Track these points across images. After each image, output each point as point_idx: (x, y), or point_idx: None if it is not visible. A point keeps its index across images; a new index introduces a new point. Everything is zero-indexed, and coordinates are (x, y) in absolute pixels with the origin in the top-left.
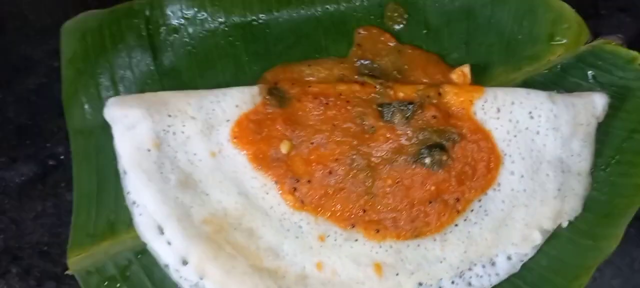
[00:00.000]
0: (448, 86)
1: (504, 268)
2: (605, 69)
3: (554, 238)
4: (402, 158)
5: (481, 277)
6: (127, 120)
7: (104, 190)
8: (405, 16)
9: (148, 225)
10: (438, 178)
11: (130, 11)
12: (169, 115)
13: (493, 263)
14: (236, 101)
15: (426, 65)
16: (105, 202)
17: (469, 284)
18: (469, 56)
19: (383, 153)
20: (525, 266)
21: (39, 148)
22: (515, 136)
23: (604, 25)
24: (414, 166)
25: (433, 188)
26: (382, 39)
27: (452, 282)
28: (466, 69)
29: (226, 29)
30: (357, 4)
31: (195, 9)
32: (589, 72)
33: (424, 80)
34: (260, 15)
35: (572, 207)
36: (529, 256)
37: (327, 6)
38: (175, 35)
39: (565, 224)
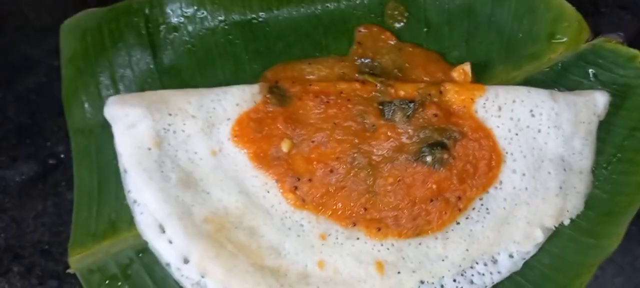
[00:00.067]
0: (449, 84)
1: (505, 266)
2: (606, 67)
3: (556, 236)
4: (403, 156)
5: (483, 275)
6: (128, 118)
7: (105, 189)
8: (406, 14)
9: (149, 223)
10: (439, 177)
11: (130, 9)
12: (170, 114)
13: (495, 261)
14: (237, 100)
15: (427, 63)
16: (106, 201)
17: (471, 282)
18: (470, 54)
19: (384, 152)
20: (527, 264)
21: (39, 148)
22: (516, 134)
23: (604, 23)
24: (415, 164)
25: (434, 186)
26: (383, 37)
27: (454, 280)
28: (467, 67)
29: (226, 27)
30: (358, 2)
31: (195, 7)
32: (590, 70)
33: (425, 79)
34: (260, 14)
35: (573, 205)
36: (531, 254)
37: (328, 4)
38: (175, 33)
39: (567, 222)
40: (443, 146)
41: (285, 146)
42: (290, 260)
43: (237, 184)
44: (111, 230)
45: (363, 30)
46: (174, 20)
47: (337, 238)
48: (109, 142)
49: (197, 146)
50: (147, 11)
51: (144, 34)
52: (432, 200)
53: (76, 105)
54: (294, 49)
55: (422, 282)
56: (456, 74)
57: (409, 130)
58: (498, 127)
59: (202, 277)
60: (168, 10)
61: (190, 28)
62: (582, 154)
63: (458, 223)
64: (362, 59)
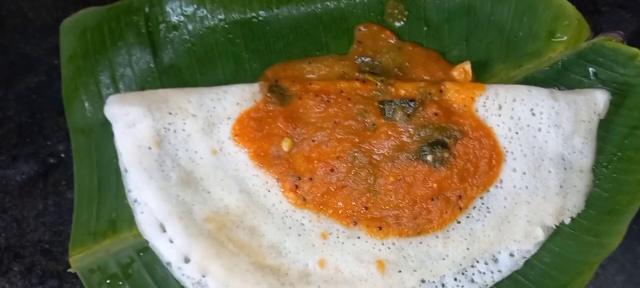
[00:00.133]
0: (449, 83)
1: (506, 265)
2: (606, 65)
3: (557, 234)
4: (403, 155)
5: (484, 273)
6: (128, 118)
7: (105, 188)
8: (406, 13)
9: (150, 223)
10: (440, 176)
11: (130, 8)
12: (170, 113)
13: (495, 260)
14: (237, 99)
15: (427, 62)
16: (107, 200)
17: (472, 281)
18: (470, 53)
19: (385, 151)
20: (527, 263)
21: (39, 147)
22: (516, 133)
23: (604, 21)
24: (415, 163)
25: (435, 185)
26: (383, 36)
27: (455, 279)
28: (467, 65)
29: (226, 26)
30: (358, 1)
31: (195, 6)
32: (590, 69)
33: (425, 78)
34: (260, 12)
35: (574, 203)
36: (532, 253)
37: (328, 3)
38: (175, 32)
39: (567, 221)
40: (443, 145)
41: (285, 145)
42: (291, 259)
43: (237, 183)
44: (112, 229)
45: (363, 29)
46: (174, 19)
47: (338, 237)
48: (109, 141)
49: (198, 145)
50: (147, 10)
51: (144, 33)
52: (432, 199)
53: (76, 104)
54: (294, 47)
55: (423, 281)
56: (456, 72)
57: (410, 129)
58: (498, 125)
59: (203, 276)
60: (168, 9)
61: (190, 27)
62: (583, 153)
63: (459, 222)
64: (362, 58)
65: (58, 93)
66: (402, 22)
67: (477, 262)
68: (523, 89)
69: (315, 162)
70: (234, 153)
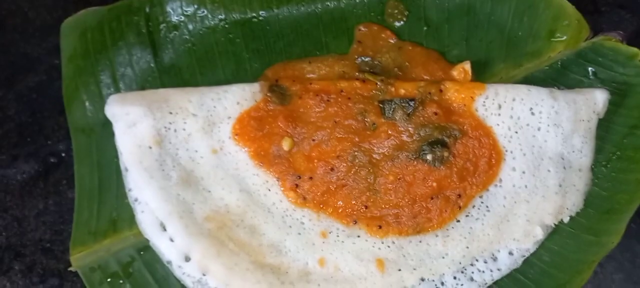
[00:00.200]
0: (449, 83)
1: (505, 264)
2: (605, 65)
3: (556, 233)
4: (403, 154)
5: (483, 272)
6: (128, 117)
7: (106, 187)
8: (406, 13)
9: (150, 222)
10: (439, 175)
11: (130, 8)
12: (170, 113)
13: (495, 259)
14: (237, 98)
15: (427, 61)
16: (107, 200)
17: (471, 279)
18: (470, 53)
19: (384, 150)
20: (527, 261)
21: (40, 146)
22: (516, 132)
23: (604, 21)
24: (415, 162)
25: (435, 184)
26: (383, 35)
27: (454, 278)
28: (467, 65)
29: (226, 26)
30: (358, 0)
31: (195, 6)
32: (590, 69)
33: (425, 77)
34: (261, 12)
35: (573, 202)
36: (531, 251)
37: (328, 3)
38: (176, 32)
39: (566, 220)
40: (443, 144)
41: (286, 144)
42: (291, 258)
43: (238, 183)
44: (112, 228)
45: (363, 29)
46: (175, 19)
47: (337, 236)
48: (110, 141)
49: (198, 145)
50: (147, 10)
51: (144, 33)
52: (432, 198)
53: (77, 103)
54: (294, 47)
55: (422, 279)
56: (456, 72)
57: (410, 129)
58: (498, 125)
59: (203, 275)
60: (168, 9)
61: (190, 27)
62: (582, 152)
63: (458, 221)
64: (362, 58)
65: (58, 92)
66: (402, 22)
67: (477, 260)
68: (523, 88)
69: (315, 161)
70: (235, 153)
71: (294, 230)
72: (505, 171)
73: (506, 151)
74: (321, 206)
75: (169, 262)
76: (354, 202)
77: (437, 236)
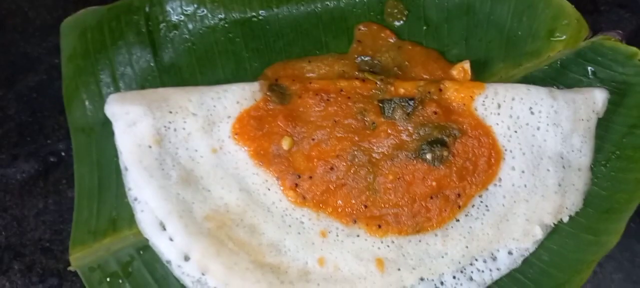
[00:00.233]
0: (448, 82)
1: (505, 263)
2: (605, 64)
3: (555, 233)
4: (403, 154)
5: (482, 271)
6: (128, 116)
7: (105, 186)
8: (405, 12)
9: (150, 221)
10: (439, 174)
11: (130, 8)
12: (170, 112)
13: (494, 258)
14: (237, 97)
15: (426, 61)
16: (107, 199)
17: (470, 279)
18: (469, 52)
19: (384, 149)
20: (526, 261)
21: (40, 146)
22: (515, 132)
23: (603, 21)
24: (415, 162)
25: (434, 183)
26: (382, 35)
27: (454, 277)
28: (466, 64)
29: (226, 25)
30: (357, 0)
31: (195, 5)
32: (589, 68)
33: (425, 77)
34: (260, 12)
35: (572, 202)
36: (530, 251)
37: (327, 2)
38: (175, 31)
39: (566, 219)
40: (443, 143)
41: (285, 144)
42: (290, 258)
43: (237, 182)
44: (112, 227)
45: (363, 29)
46: (174, 18)
47: (337, 236)
48: (110, 140)
49: (198, 144)
50: (147, 9)
51: (144, 32)
52: (432, 198)
53: (77, 103)
54: (294, 47)
55: (422, 279)
56: (456, 71)
57: (409, 128)
58: (497, 124)
59: (203, 274)
60: (168, 9)
61: (190, 26)
62: (581, 151)
63: (458, 220)
64: (362, 57)
65: (58, 92)
66: (401, 22)
67: (476, 260)
68: (522, 87)
69: (315, 160)
70: (234, 152)
71: (294, 229)
72: (505, 170)
73: (505, 150)
74: (321, 205)
75: (169, 262)
76: (353, 201)
77: (436, 235)
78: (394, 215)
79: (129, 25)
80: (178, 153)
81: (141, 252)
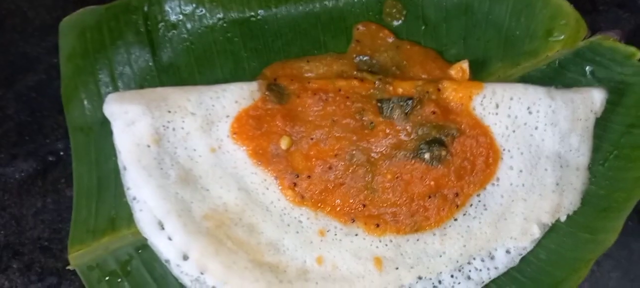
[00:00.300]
0: (447, 82)
1: (503, 262)
2: (603, 64)
3: (553, 232)
4: (401, 153)
5: (480, 270)
6: (127, 116)
7: (104, 186)
8: (404, 12)
9: (148, 220)
10: (437, 173)
11: (129, 7)
12: (169, 111)
13: (492, 257)
14: (235, 97)
15: (425, 61)
16: (106, 198)
17: (468, 278)
18: (467, 52)
19: (382, 149)
20: (524, 259)
21: (38, 145)
22: (513, 131)
23: (602, 20)
24: (413, 161)
25: (432, 183)
26: (381, 35)
27: (452, 276)
28: (465, 64)
29: (225, 25)
30: (356, 0)
31: (194, 5)
32: (587, 68)
33: (423, 76)
34: (259, 11)
35: (570, 201)
36: (528, 250)
37: (326, 2)
38: (174, 31)
39: (563, 218)
40: (441, 143)
41: (284, 143)
42: (289, 256)
43: (236, 181)
44: (110, 227)
45: (361, 28)
46: (173, 18)
47: (335, 235)
48: (108, 140)
49: (196, 143)
50: (145, 9)
51: (142, 32)
52: (430, 197)
53: (75, 102)
54: (292, 46)
55: (420, 278)
56: (454, 71)
57: (407, 128)
58: (495, 124)
59: (202, 273)
60: (167, 8)
61: (188, 26)
62: (579, 151)
63: (456, 219)
64: (361, 57)
65: (57, 92)
66: (400, 21)
67: (474, 258)
68: (520, 87)
69: (314, 159)
70: (233, 151)
71: (292, 228)
72: (503, 170)
73: (504, 150)
74: (319, 204)
75: (167, 261)
76: (351, 200)
77: (434, 235)
78: (392, 215)
79: (128, 25)
80: (177, 153)
81: (140, 251)
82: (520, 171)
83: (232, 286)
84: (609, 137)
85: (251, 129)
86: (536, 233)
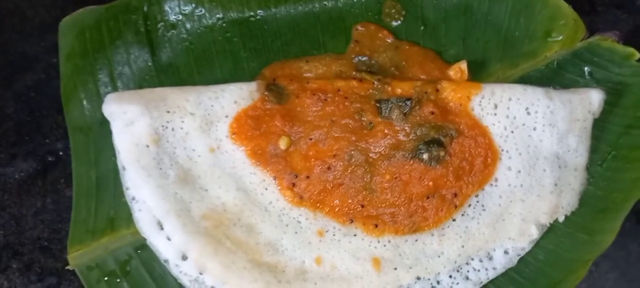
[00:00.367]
0: (445, 82)
1: (501, 263)
2: (601, 65)
3: (551, 232)
4: (400, 154)
5: (478, 271)
6: (126, 116)
7: (103, 186)
8: (403, 13)
9: (147, 220)
10: (436, 174)
11: (128, 7)
12: (168, 111)
13: (490, 258)
14: (234, 97)
15: (423, 61)
16: (105, 198)
17: (467, 278)
18: (466, 52)
19: (381, 149)
20: (522, 260)
21: (38, 145)
22: (512, 132)
23: (601, 21)
24: (412, 162)
25: (431, 183)
26: (380, 35)
27: (450, 276)
28: (464, 65)
29: (224, 25)
30: (355, 0)
31: (193, 5)
32: (586, 69)
33: (422, 77)
34: (258, 11)
35: (568, 202)
36: (526, 250)
37: (325, 2)
38: (173, 31)
39: (561, 219)
40: (439, 143)
41: (283, 143)
42: (287, 257)
43: (235, 181)
44: (110, 227)
45: (360, 28)
46: (172, 18)
47: (334, 235)
48: (108, 140)
49: (195, 143)
50: (145, 9)
51: (142, 32)
52: (428, 197)
53: (75, 102)
54: (291, 46)
55: (418, 278)
56: (453, 72)
57: (406, 128)
58: (494, 124)
59: (201, 273)
60: (166, 8)
61: (188, 26)
62: (577, 152)
63: (454, 219)
64: (360, 57)
65: (56, 91)
66: (399, 22)
67: (472, 259)
68: (518, 88)
69: (312, 160)
70: (232, 152)
71: (291, 229)
72: (501, 170)
73: (502, 150)
74: (318, 205)
75: (166, 261)
76: (350, 201)
77: (433, 235)
78: (390, 215)
79: (127, 25)
80: (176, 153)
81: (139, 251)
82: (519, 172)
83: (230, 286)
84: (607, 137)
85: (250, 129)
86: (534, 234)
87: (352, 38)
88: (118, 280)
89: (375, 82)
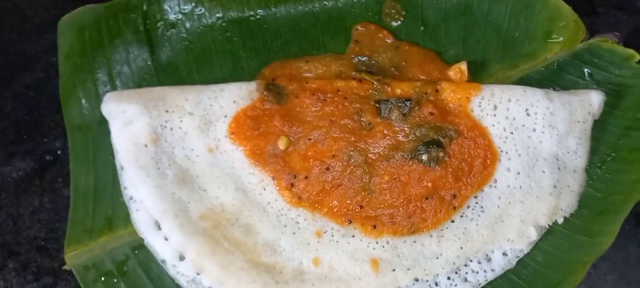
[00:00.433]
0: (445, 83)
1: (499, 264)
2: (601, 66)
3: (550, 234)
4: (399, 154)
5: (477, 272)
6: (125, 115)
7: (101, 185)
8: (403, 13)
9: (145, 220)
10: (435, 175)
11: (128, 6)
12: (167, 111)
13: (489, 259)
14: (234, 97)
15: (423, 61)
16: (103, 198)
17: (465, 280)
18: (466, 53)
19: (380, 150)
20: (520, 262)
21: (36, 144)
22: (511, 133)
23: (601, 23)
24: (410, 162)
25: (430, 184)
26: (380, 35)
27: (448, 278)
28: (463, 65)
29: (224, 24)
30: (355, 0)
31: (193, 4)
32: (586, 70)
33: (421, 77)
34: (258, 11)
35: (567, 203)
36: (525, 252)
37: (325, 2)
38: (173, 30)
39: (561, 221)
40: (439, 144)
41: (281, 144)
42: (285, 257)
43: (233, 181)
44: (107, 226)
45: (360, 29)
46: (172, 17)
47: (332, 236)
48: (106, 139)
49: (194, 143)
50: (144, 8)
51: (141, 31)
52: (427, 198)
53: (73, 101)
54: (291, 46)
55: (416, 280)
56: (452, 72)
57: (405, 129)
58: (493, 125)
59: (198, 274)
60: (166, 7)
61: (187, 25)
62: (577, 153)
63: (453, 221)
64: (359, 57)
65: (55, 90)
66: (399, 22)
67: (471, 261)
68: (518, 89)
69: (311, 160)
70: (230, 152)
71: (289, 229)
72: (500, 172)
73: (501, 152)
74: (316, 205)
75: (164, 261)
76: (349, 201)
77: (431, 236)
78: (389, 216)
79: (127, 24)
80: (174, 153)
81: (136, 251)
82: (518, 173)
83: (228, 287)
84: (606, 139)
85: (249, 129)
86: (533, 235)
87: (352, 38)
88: (115, 280)
89: (375, 83)
